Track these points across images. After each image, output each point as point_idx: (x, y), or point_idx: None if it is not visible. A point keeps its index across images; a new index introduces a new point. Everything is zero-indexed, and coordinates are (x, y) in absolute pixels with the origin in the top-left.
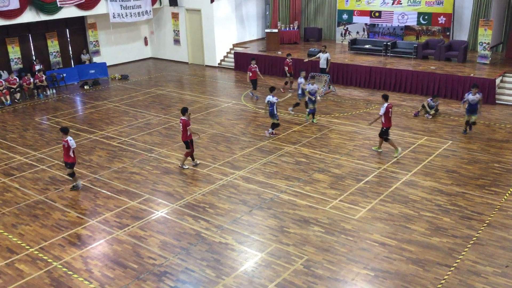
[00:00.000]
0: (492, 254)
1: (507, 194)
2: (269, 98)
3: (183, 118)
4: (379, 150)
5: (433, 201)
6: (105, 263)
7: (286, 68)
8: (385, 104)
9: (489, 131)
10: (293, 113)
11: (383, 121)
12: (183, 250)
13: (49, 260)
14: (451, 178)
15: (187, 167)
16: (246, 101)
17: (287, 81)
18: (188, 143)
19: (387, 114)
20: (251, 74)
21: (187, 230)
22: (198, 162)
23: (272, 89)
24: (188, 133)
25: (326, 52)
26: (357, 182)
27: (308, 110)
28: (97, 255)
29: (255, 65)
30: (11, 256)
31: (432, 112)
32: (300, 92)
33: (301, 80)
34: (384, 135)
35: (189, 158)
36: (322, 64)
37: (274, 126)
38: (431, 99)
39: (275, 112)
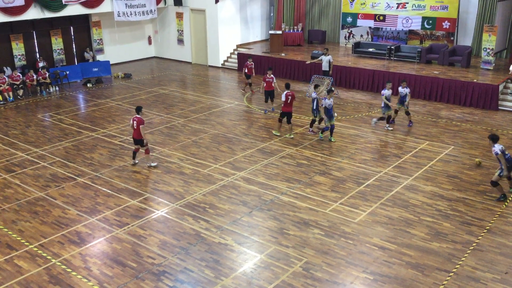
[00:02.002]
0: (491, 260)
1: (508, 201)
2: (313, 94)
3: (138, 116)
4: (277, 134)
5: (433, 206)
6: (104, 261)
7: (245, 70)
8: (285, 92)
9: None
10: (374, 126)
11: (282, 105)
12: (182, 250)
13: (48, 257)
14: (452, 183)
15: (155, 164)
16: (248, 102)
17: (249, 82)
18: (143, 141)
19: (286, 100)
20: (265, 85)
21: (187, 230)
22: (137, 161)
23: (316, 87)
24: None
25: (328, 55)
26: (358, 186)
27: (323, 127)
28: (96, 253)
29: (272, 76)
30: (10, 252)
31: (399, 107)
32: (383, 105)
33: (384, 91)
34: (282, 116)
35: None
36: (325, 66)
37: (312, 122)
38: (401, 87)
39: (314, 108)
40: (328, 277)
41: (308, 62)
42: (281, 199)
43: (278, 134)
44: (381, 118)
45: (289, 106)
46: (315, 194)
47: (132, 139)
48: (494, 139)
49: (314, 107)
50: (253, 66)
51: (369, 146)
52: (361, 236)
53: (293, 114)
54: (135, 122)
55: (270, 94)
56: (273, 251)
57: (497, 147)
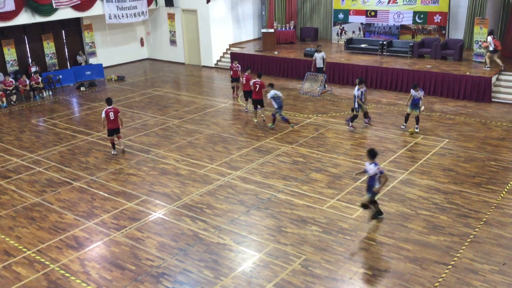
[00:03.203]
0: (489, 252)
1: (504, 192)
2: (355, 91)
3: (113, 107)
4: (256, 121)
5: (430, 200)
6: (102, 265)
7: (231, 73)
8: (253, 80)
9: (485, 129)
10: (403, 127)
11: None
12: (180, 251)
13: (47, 263)
14: (447, 176)
15: (122, 146)
16: (243, 101)
17: (233, 86)
18: (119, 130)
19: (254, 88)
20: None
21: (185, 231)
22: (116, 152)
23: (360, 82)
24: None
25: (321, 52)
26: (354, 181)
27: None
28: (95, 257)
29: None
30: (8, 259)
31: (421, 110)
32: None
33: (414, 92)
34: (254, 104)
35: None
36: (319, 63)
37: (353, 118)
38: (413, 90)
39: (355, 106)
40: (327, 274)
41: (312, 69)
42: (278, 197)
43: (256, 120)
44: (406, 118)
45: (258, 94)
46: (312, 191)
47: (107, 132)
48: (372, 155)
49: (356, 105)
50: (239, 69)
51: (364, 142)
52: (358, 231)
53: (287, 112)
54: (111, 113)
55: (249, 95)
56: (272, 250)
57: (374, 168)
